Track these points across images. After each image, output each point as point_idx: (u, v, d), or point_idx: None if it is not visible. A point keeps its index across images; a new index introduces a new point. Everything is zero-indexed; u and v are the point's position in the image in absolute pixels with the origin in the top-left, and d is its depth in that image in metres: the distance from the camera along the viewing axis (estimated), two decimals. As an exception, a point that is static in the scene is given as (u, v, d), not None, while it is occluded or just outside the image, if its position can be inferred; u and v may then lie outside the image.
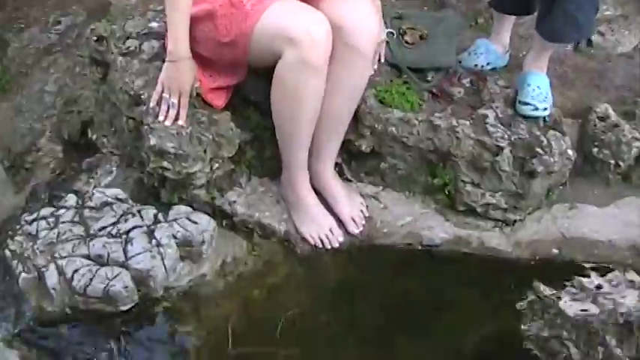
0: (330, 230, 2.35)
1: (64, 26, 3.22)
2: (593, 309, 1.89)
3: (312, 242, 2.34)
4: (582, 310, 1.89)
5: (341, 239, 2.35)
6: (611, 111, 2.47)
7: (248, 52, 2.15)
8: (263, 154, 2.45)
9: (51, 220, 2.22)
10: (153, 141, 2.17)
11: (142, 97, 2.27)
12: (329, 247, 2.34)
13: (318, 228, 2.35)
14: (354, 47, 2.17)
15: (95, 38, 2.45)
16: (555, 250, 2.39)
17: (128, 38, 2.42)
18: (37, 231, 2.18)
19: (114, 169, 2.54)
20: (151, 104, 2.21)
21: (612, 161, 2.45)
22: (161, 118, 2.19)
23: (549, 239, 2.40)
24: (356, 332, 2.14)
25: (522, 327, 1.99)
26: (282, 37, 2.07)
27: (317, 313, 2.19)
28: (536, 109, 2.35)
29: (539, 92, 2.36)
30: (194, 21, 2.16)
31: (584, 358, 1.90)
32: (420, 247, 2.38)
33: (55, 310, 2.08)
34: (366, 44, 2.19)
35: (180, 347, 2.08)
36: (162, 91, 2.21)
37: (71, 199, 2.28)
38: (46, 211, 2.25)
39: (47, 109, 2.87)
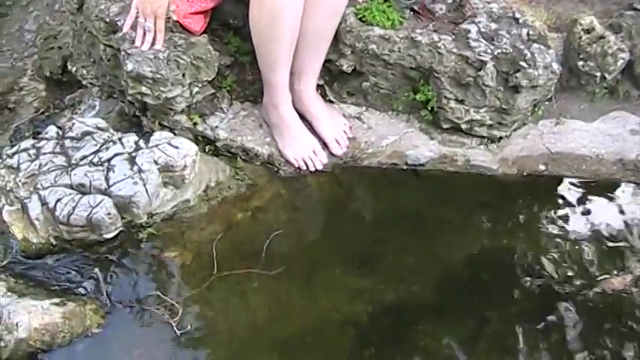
0: (314, 152, 2.34)
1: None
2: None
3: (296, 164, 2.33)
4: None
5: (325, 161, 2.35)
6: (596, 23, 2.41)
7: None
8: (244, 79, 2.43)
9: (32, 152, 2.20)
10: (130, 66, 2.14)
11: (118, 23, 2.24)
12: (313, 169, 2.33)
13: (302, 150, 2.33)
14: None
15: (68, -34, 2.41)
16: (542, 167, 2.37)
17: (102, -36, 2.38)
18: (18, 163, 2.17)
19: (96, 103, 2.53)
20: (125, 29, 2.18)
21: (598, 74, 2.40)
22: (137, 43, 2.16)
23: (536, 155, 2.39)
24: (341, 251, 2.14)
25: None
26: None
27: (302, 234, 2.20)
28: None
29: None
30: None
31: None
32: (404, 167, 2.37)
33: (40, 241, 2.08)
34: None
35: (166, 272, 2.07)
36: (137, 16, 2.16)
37: (52, 131, 2.27)
38: (26, 143, 2.24)
39: (28, 47, 2.86)
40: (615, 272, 2.06)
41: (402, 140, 2.40)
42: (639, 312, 1.97)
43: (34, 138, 2.25)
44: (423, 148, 2.38)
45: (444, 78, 2.30)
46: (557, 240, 2.17)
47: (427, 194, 2.32)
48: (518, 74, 2.23)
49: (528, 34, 2.30)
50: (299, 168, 2.33)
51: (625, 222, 2.22)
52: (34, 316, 1.89)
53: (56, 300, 1.95)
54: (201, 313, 1.99)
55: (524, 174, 2.36)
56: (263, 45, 2.20)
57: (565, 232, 2.20)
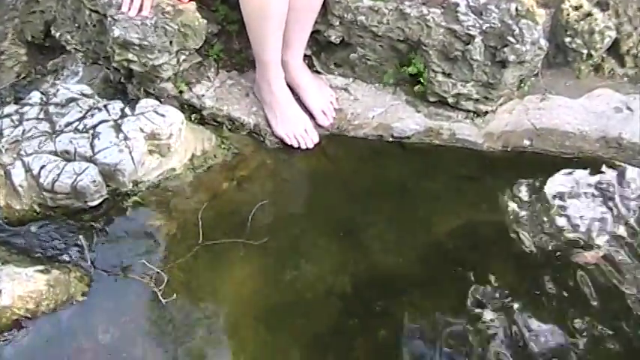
0: (305, 130, 2.33)
1: None
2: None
3: (288, 142, 2.32)
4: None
5: (316, 139, 2.33)
6: (584, 0, 2.43)
7: None
8: (231, 47, 2.41)
9: (15, 117, 2.18)
10: (117, 32, 2.11)
11: (104, -12, 2.21)
12: (304, 147, 2.32)
13: (293, 127, 2.32)
14: None
15: None
16: (527, 142, 2.38)
17: None
18: (1, 129, 2.14)
19: (80, 69, 2.49)
20: (112, -7, 2.15)
21: (585, 51, 2.42)
22: (124, 9, 2.13)
23: (521, 130, 2.40)
24: (326, 222, 2.15)
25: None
26: None
27: (287, 204, 2.20)
28: None
29: None
30: None
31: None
32: (390, 139, 2.38)
33: (23, 208, 2.07)
34: None
35: (151, 241, 2.06)
36: (125, -18, 2.16)
37: (35, 96, 2.24)
38: (9, 108, 2.21)
39: (8, 10, 2.79)
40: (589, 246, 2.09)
41: (388, 112, 2.40)
42: (610, 285, 2.00)
43: (17, 104, 2.22)
44: (409, 120, 2.38)
45: (432, 51, 2.30)
46: (537, 214, 2.17)
47: (412, 167, 2.32)
48: (505, 49, 2.23)
49: (517, 10, 2.29)
50: (290, 145, 2.31)
51: (604, 200, 2.23)
52: (17, 283, 1.87)
53: (40, 267, 1.94)
54: (187, 281, 1.98)
55: (509, 149, 2.37)
56: (253, 23, 2.18)
57: (545, 207, 2.21)
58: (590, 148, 2.37)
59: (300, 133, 2.32)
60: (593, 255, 2.07)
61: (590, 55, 2.43)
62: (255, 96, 2.37)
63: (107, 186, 2.08)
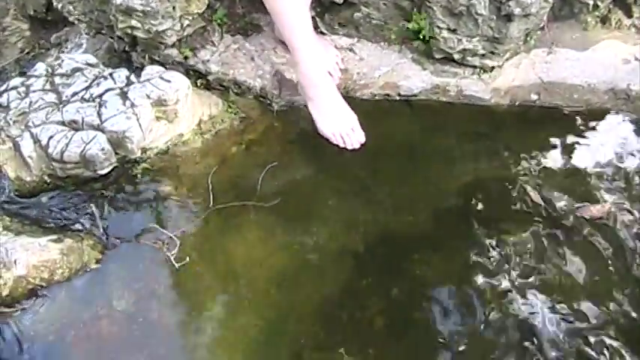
0: (352, 129, 2.23)
1: None
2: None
3: (333, 140, 2.23)
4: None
5: (362, 139, 2.23)
6: (589, -50, 2.41)
7: None
8: (235, 12, 2.40)
9: (21, 89, 2.19)
10: (119, 0, 2.11)
11: (106, -45, 2.20)
12: (350, 147, 2.22)
13: (340, 126, 2.23)
14: None
15: None
16: (534, 96, 2.36)
17: None
18: (8, 102, 2.15)
19: (83, 41, 2.50)
20: (112, -40, 2.14)
21: (590, 2, 2.37)
22: (126, -25, 2.13)
23: (528, 85, 2.37)
24: (336, 182, 2.15)
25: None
26: None
27: (296, 167, 2.19)
28: None
29: None
30: None
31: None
32: (397, 97, 2.37)
33: (33, 180, 2.08)
34: None
35: (162, 207, 2.07)
36: (125, -52, 2.14)
37: (40, 68, 2.24)
38: (15, 81, 2.22)
39: (9, -15, 2.79)
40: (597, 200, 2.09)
41: (394, 71, 2.38)
42: (615, 240, 1.99)
43: (22, 76, 2.22)
44: (415, 78, 2.37)
45: (437, 7, 2.27)
46: (546, 168, 2.17)
47: (420, 124, 2.32)
48: (510, 3, 2.20)
49: None
50: (337, 145, 2.22)
51: (613, 152, 2.23)
52: (31, 253, 1.90)
53: (53, 237, 1.96)
54: (199, 245, 2.00)
55: (517, 104, 2.36)
56: (276, 7, 2.11)
57: (554, 161, 2.20)
58: (598, 100, 2.35)
59: (347, 132, 2.22)
60: (598, 209, 2.07)
61: (596, 6, 2.39)
62: (300, 94, 2.28)
63: (116, 154, 2.09)
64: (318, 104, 2.24)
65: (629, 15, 2.45)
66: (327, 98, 2.23)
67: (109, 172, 2.10)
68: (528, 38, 2.37)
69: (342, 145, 2.23)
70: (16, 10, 2.74)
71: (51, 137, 2.05)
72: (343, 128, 2.23)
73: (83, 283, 1.93)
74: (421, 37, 2.34)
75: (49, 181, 2.08)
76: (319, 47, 2.26)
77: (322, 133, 2.24)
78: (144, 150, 2.13)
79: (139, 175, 2.12)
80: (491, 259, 1.96)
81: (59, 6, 2.47)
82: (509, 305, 1.87)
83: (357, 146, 2.22)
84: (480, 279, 1.92)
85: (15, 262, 1.87)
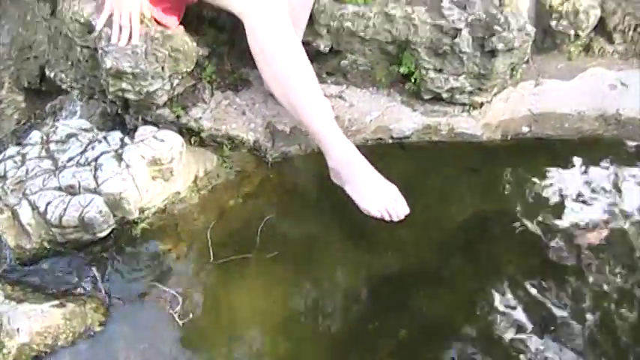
0: (395, 200, 2.13)
1: (9, -23, 3.18)
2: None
3: (379, 216, 2.10)
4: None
5: (406, 210, 2.11)
6: (565, -18, 2.46)
7: None
8: (223, 69, 2.43)
9: (17, 158, 2.20)
10: (109, 63, 2.13)
11: (93, 23, 2.22)
12: (396, 219, 2.10)
13: (384, 201, 2.11)
14: None
15: (38, -28, 2.42)
16: (526, 128, 2.40)
17: (72, -33, 2.38)
18: (4, 171, 2.16)
19: (77, 107, 2.53)
20: (99, 27, 2.16)
21: (572, 32, 2.43)
22: (114, 40, 2.15)
23: (518, 118, 2.40)
24: (336, 229, 2.15)
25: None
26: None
27: (295, 216, 2.20)
28: None
29: None
30: None
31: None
32: (390, 140, 2.39)
33: (33, 247, 2.08)
34: None
35: (163, 265, 2.07)
36: (112, 15, 2.16)
37: (35, 136, 2.26)
38: (11, 150, 2.24)
39: (3, 60, 2.85)
40: (592, 226, 2.10)
41: (385, 115, 2.41)
42: (614, 264, 2.01)
43: (18, 145, 2.25)
44: (406, 120, 2.39)
45: (421, 49, 2.32)
46: (542, 199, 2.20)
47: (415, 165, 2.34)
48: (493, 38, 2.25)
49: (499, -1, 2.33)
50: (383, 219, 2.11)
51: (607, 177, 2.26)
52: (34, 320, 1.89)
53: (55, 302, 1.95)
54: (202, 301, 1.99)
55: (509, 137, 2.38)
56: (283, 95, 2.13)
57: (549, 191, 2.22)
58: (589, 127, 2.38)
59: (392, 205, 2.11)
60: (595, 235, 2.08)
61: (577, 36, 2.44)
62: (336, 183, 2.19)
63: (114, 215, 2.09)
64: (356, 184, 2.14)
65: (611, 42, 2.50)
66: (363, 176, 2.13)
67: (109, 235, 2.09)
68: (514, 72, 2.41)
69: (387, 218, 2.11)
70: (11, 83, 2.79)
71: (49, 203, 2.05)
72: (388, 203, 2.11)
73: (87, 346, 1.92)
74: (408, 79, 2.38)
75: (49, 247, 2.08)
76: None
77: (368, 213, 2.11)
78: (142, 210, 2.13)
79: (138, 236, 2.12)
80: (496, 293, 1.96)
81: (51, 74, 2.52)
82: (516, 337, 1.87)
83: (402, 217, 2.11)
84: (486, 314, 1.91)
85: (18, 330, 1.86)
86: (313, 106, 2.13)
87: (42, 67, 2.64)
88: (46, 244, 2.08)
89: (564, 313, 1.91)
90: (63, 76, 2.47)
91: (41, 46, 2.67)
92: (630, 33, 2.50)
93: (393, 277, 2.03)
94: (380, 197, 2.10)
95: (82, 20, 2.24)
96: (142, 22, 2.17)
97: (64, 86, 2.45)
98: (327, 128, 2.13)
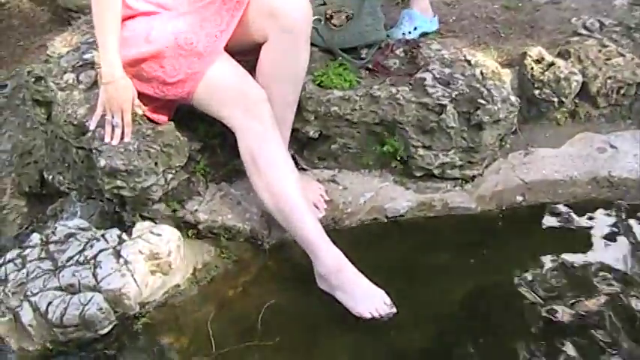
0: (384, 302, 2.16)
1: (9, 89, 3.26)
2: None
3: (370, 317, 2.13)
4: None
5: (394, 310, 2.13)
6: (544, 52, 2.51)
7: (192, 96, 2.22)
8: (217, 161, 2.47)
9: (18, 261, 2.22)
10: (102, 162, 2.18)
11: (87, 124, 2.28)
12: (386, 318, 2.12)
13: (374, 303, 2.14)
14: (291, 30, 2.20)
15: (33, 79, 2.48)
16: (519, 198, 2.41)
17: (65, 73, 2.45)
18: (5, 275, 2.18)
19: (77, 208, 2.56)
20: (92, 127, 2.23)
21: (555, 99, 2.48)
22: (107, 139, 2.21)
23: (511, 188, 2.43)
24: (337, 312, 2.12)
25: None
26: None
27: (295, 301, 2.19)
28: (403, 33, 2.59)
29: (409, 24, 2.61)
30: (139, 62, 2.20)
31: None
32: (385, 220, 2.40)
33: (36, 348, 2.08)
34: (301, 25, 2.22)
35: (165, 358, 2.06)
36: (104, 114, 2.22)
37: (35, 238, 2.29)
38: (12, 254, 2.26)
39: (4, 167, 2.91)
40: (590, 294, 2.10)
41: (378, 195, 2.43)
42: (614, 332, 1.99)
43: (19, 247, 2.28)
44: (400, 199, 2.42)
45: (409, 127, 2.36)
46: (540, 267, 2.20)
47: (412, 243, 2.34)
48: (478, 112, 2.30)
49: (482, 73, 2.38)
50: (374, 318, 2.13)
51: (603, 241, 2.27)
52: None
53: (61, 404, 1.96)
54: (207, 393, 1.98)
55: (504, 207, 2.40)
56: (277, 211, 2.21)
57: (547, 259, 2.22)
58: (583, 191, 2.40)
59: (382, 307, 2.14)
60: (593, 302, 2.07)
61: (562, 103, 2.49)
62: (325, 290, 2.22)
63: (115, 312, 2.09)
64: (347, 289, 2.17)
65: (596, 106, 2.55)
66: (353, 280, 2.18)
67: (110, 331, 2.09)
68: (503, 143, 2.44)
69: (379, 318, 2.13)
70: (13, 189, 2.84)
71: (50, 303, 2.06)
72: (378, 304, 2.14)
73: None
74: (398, 157, 2.41)
75: (51, 347, 2.07)
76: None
77: (360, 316, 2.13)
78: (142, 305, 2.14)
79: (139, 330, 2.11)
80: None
81: (50, 177, 2.58)
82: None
83: (391, 315, 2.13)
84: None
85: None
86: (303, 216, 2.20)
87: (41, 172, 2.69)
88: (48, 344, 2.08)
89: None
90: (61, 178, 2.52)
91: (40, 150, 2.73)
92: (614, 96, 2.54)
93: (398, 357, 2.00)
94: (372, 301, 2.15)
95: (75, 122, 2.31)
96: (133, 120, 2.23)
97: (62, 188, 2.50)
98: (318, 238, 2.19)
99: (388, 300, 2.16)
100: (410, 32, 2.57)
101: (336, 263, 2.16)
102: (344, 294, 2.16)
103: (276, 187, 2.19)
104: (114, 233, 2.23)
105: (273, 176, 2.19)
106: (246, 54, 2.28)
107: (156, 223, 2.29)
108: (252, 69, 2.26)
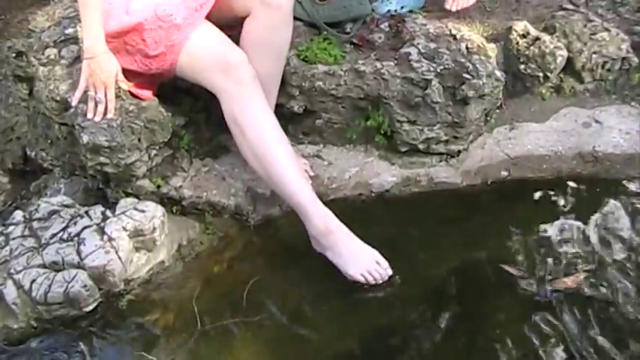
0: (377, 262, 2.16)
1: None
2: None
3: (364, 280, 2.13)
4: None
5: (389, 271, 2.15)
6: (530, 27, 2.50)
7: (175, 67, 2.20)
8: (201, 136, 2.46)
9: (1, 239, 2.21)
10: (85, 138, 2.16)
11: (70, 100, 2.26)
12: (381, 281, 2.13)
13: (366, 265, 2.14)
14: (272, 4, 2.19)
15: (14, 54, 2.46)
16: (505, 172, 2.42)
17: (47, 48, 2.42)
18: (-12, 253, 2.19)
19: (61, 185, 2.53)
20: (74, 102, 2.21)
21: (540, 74, 2.48)
22: (90, 115, 2.18)
23: (496, 162, 2.43)
24: (322, 287, 2.14)
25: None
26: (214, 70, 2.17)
27: (280, 277, 2.19)
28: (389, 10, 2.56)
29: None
30: (120, 34, 2.18)
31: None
32: (371, 195, 2.40)
33: (21, 326, 2.07)
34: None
35: (151, 336, 2.05)
36: (87, 90, 2.20)
37: (18, 215, 2.27)
38: (-6, 232, 2.26)
39: (-14, 143, 2.89)
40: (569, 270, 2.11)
41: (363, 170, 2.43)
42: (591, 309, 2.00)
43: (2, 225, 2.26)
44: (385, 174, 2.42)
45: (393, 102, 2.35)
46: (523, 242, 2.20)
47: (397, 218, 2.34)
48: (463, 86, 2.29)
49: (467, 48, 2.36)
50: (368, 283, 2.13)
51: (588, 216, 2.27)
52: (25, 401, 1.89)
53: (45, 381, 1.95)
54: (192, 369, 1.99)
55: (489, 182, 2.40)
56: (260, 166, 2.19)
57: (531, 234, 2.22)
58: (568, 166, 2.41)
59: (374, 267, 2.14)
60: (572, 279, 2.08)
61: (546, 77, 2.49)
62: (317, 250, 2.22)
63: (99, 289, 2.09)
64: (338, 251, 2.17)
65: (581, 81, 2.55)
66: (344, 243, 2.17)
67: (95, 308, 2.09)
68: (488, 118, 2.44)
69: (372, 282, 2.14)
70: (-5, 166, 2.83)
71: (33, 281, 2.05)
72: (370, 266, 2.15)
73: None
74: (382, 132, 2.40)
75: (36, 325, 2.07)
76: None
77: (352, 278, 2.14)
78: (127, 282, 2.13)
79: (124, 307, 2.11)
80: (489, 343, 1.94)
81: (32, 154, 2.56)
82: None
83: (386, 278, 2.15)
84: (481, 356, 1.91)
85: (7, 412, 1.86)
86: (291, 177, 2.18)
87: (24, 148, 2.65)
88: (32, 322, 2.07)
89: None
90: (44, 154, 2.50)
91: (23, 127, 2.69)
92: (599, 71, 2.54)
93: (385, 333, 2.01)
94: (362, 262, 2.14)
95: (58, 98, 2.29)
96: (117, 96, 2.21)
97: (45, 165, 2.48)
98: (306, 199, 2.18)
99: (382, 260, 2.16)
100: (396, 10, 2.55)
101: (325, 224, 2.15)
102: (335, 256, 2.18)
103: (260, 148, 2.18)
104: (98, 210, 2.22)
105: (256, 138, 2.18)
106: (229, 28, 2.26)
107: (140, 199, 2.28)
108: (235, 43, 2.24)
